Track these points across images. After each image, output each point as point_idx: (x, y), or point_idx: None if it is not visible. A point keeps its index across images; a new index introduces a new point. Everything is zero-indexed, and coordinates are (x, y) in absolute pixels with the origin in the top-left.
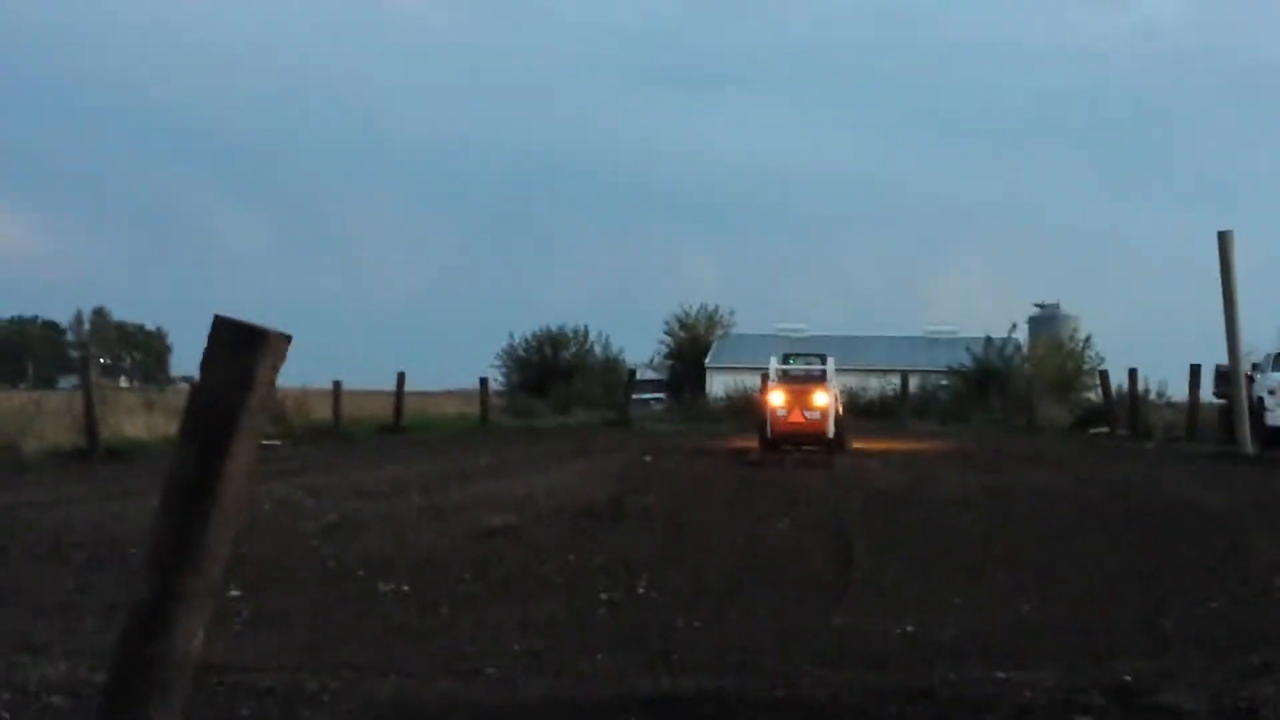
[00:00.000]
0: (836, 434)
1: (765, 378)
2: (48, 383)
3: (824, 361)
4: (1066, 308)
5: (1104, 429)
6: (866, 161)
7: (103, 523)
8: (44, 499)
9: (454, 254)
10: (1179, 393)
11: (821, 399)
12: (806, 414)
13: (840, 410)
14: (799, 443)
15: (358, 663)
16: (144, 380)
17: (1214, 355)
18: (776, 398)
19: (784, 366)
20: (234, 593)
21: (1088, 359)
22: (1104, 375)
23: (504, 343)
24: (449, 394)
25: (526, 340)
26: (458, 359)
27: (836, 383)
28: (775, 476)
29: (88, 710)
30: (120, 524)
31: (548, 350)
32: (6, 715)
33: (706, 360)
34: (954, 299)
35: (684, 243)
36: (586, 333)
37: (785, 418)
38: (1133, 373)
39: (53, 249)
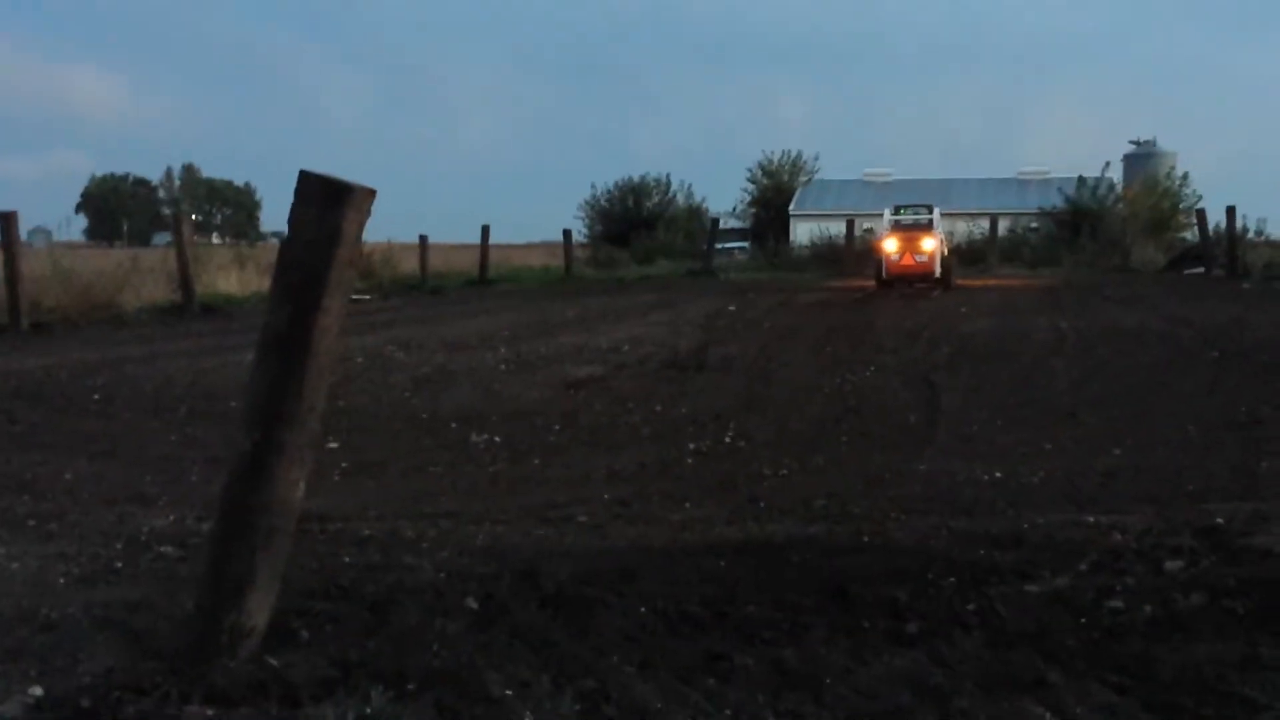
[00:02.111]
0: (943, 273)
1: (867, 231)
2: (142, 240)
3: (930, 211)
4: (1163, 144)
5: (1200, 269)
6: None
7: (201, 377)
8: (143, 354)
9: (538, 106)
10: (1278, 231)
11: (929, 244)
12: (916, 257)
13: (946, 252)
14: (910, 281)
15: (453, 511)
16: (235, 236)
17: None
18: (890, 244)
19: (895, 217)
20: (331, 444)
21: (1184, 197)
22: (1201, 214)
23: (587, 194)
24: (533, 246)
25: (609, 191)
26: (542, 211)
27: (942, 228)
28: (862, 324)
29: (196, 558)
30: (218, 378)
31: (630, 200)
32: (119, 564)
33: (791, 207)
34: (1046, 139)
35: (768, 87)
36: (669, 182)
37: (898, 261)
38: (1230, 210)
39: (143, 106)
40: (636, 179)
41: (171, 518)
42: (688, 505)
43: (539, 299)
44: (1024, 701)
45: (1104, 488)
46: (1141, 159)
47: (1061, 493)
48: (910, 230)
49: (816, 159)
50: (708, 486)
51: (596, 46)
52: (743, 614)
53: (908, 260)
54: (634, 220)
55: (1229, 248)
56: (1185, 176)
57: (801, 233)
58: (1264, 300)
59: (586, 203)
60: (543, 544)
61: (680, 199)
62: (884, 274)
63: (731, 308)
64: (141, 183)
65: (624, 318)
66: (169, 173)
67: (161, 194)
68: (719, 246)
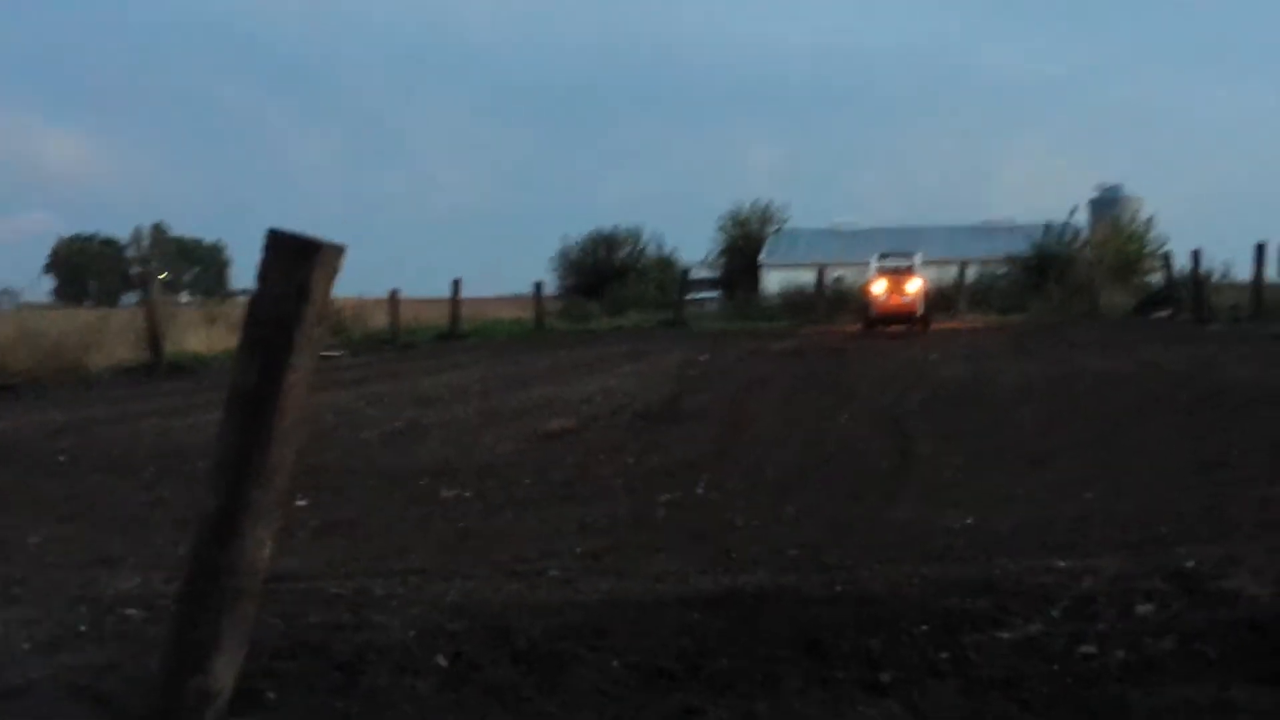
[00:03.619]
0: (924, 314)
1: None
2: (110, 299)
3: (911, 258)
4: (1129, 189)
5: (1167, 312)
6: (925, 37)
7: (169, 436)
8: (111, 415)
9: (507, 160)
10: (1245, 274)
11: (913, 285)
12: (902, 298)
13: (927, 295)
14: (895, 321)
15: (423, 567)
16: (204, 295)
17: None
18: (878, 286)
19: (881, 262)
20: (300, 502)
21: (1150, 241)
22: (1167, 257)
23: (558, 245)
24: (504, 300)
25: (580, 243)
26: (513, 263)
27: (922, 272)
28: (833, 372)
29: (162, 620)
30: (187, 437)
31: (601, 252)
32: (84, 628)
33: (761, 257)
34: (1013, 188)
35: (736, 138)
36: (640, 233)
37: (885, 301)
38: (1196, 254)
39: (110, 165)
40: (608, 230)
41: (138, 580)
42: (660, 557)
43: (511, 352)
44: None
45: (1075, 532)
46: (1107, 203)
47: (1033, 538)
48: (896, 274)
49: (786, 208)
50: (680, 538)
51: (564, 97)
52: (716, 667)
53: (894, 301)
54: (605, 272)
55: (1195, 291)
56: (1150, 220)
57: (772, 281)
58: (1231, 343)
59: (558, 254)
60: (514, 599)
61: (651, 249)
62: (871, 314)
63: (703, 357)
64: (110, 242)
65: (596, 369)
66: (137, 231)
67: (130, 253)
68: (690, 297)
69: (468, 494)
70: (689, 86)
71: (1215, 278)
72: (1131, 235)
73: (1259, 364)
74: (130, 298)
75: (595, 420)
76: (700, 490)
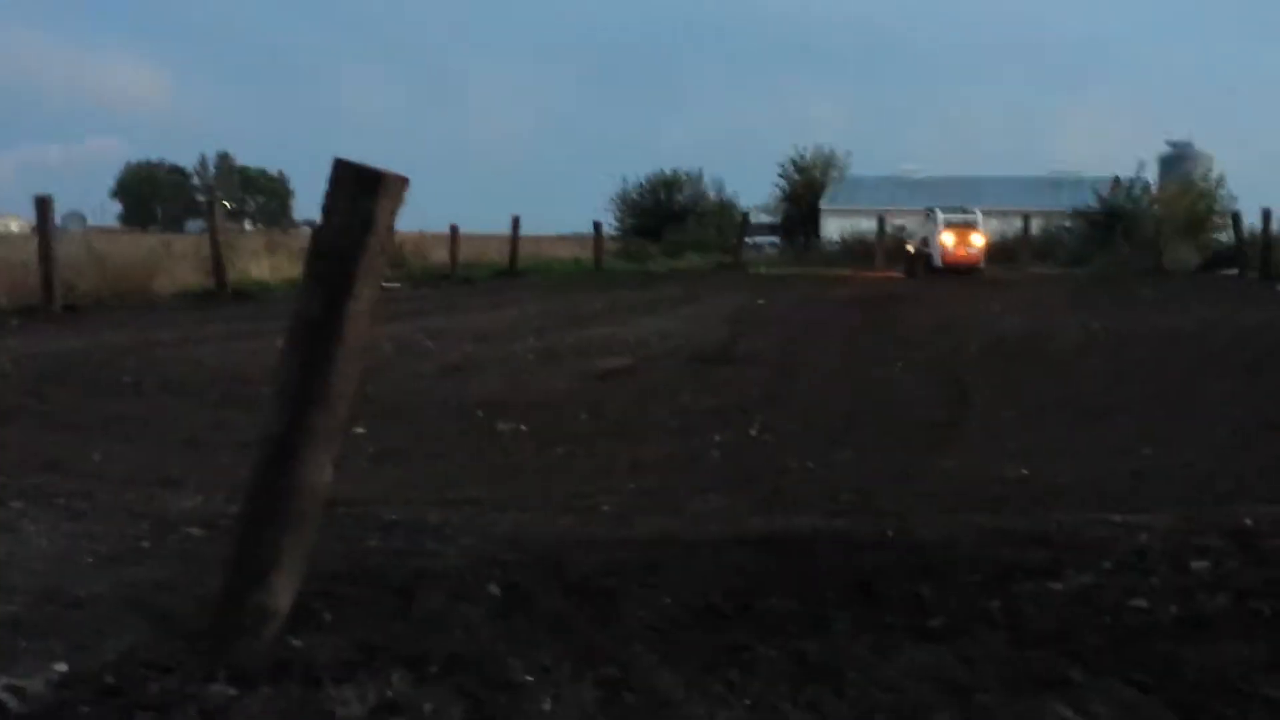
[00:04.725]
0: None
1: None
2: (176, 225)
3: (974, 212)
4: (1200, 146)
5: (1234, 271)
6: None
7: (231, 361)
8: (175, 338)
9: (570, 100)
10: None
11: (978, 239)
12: (968, 250)
13: (988, 248)
14: (960, 271)
15: (478, 498)
16: (268, 224)
17: None
18: (948, 238)
19: (948, 215)
20: (359, 430)
21: (1220, 199)
22: (1236, 216)
23: (618, 188)
24: (563, 238)
25: (640, 184)
26: (573, 204)
27: (983, 226)
28: (890, 320)
29: (224, 540)
30: (249, 363)
31: (661, 194)
32: (146, 544)
33: (821, 203)
34: (1080, 140)
35: (799, 88)
36: (700, 176)
37: (953, 252)
38: (1266, 213)
39: (179, 95)
40: (668, 172)
41: (199, 499)
42: (712, 497)
43: (568, 291)
44: (1046, 699)
45: (1132, 488)
46: (1177, 160)
47: (1089, 492)
48: (962, 227)
49: (848, 155)
50: (732, 479)
51: (627, 45)
52: (766, 606)
53: (961, 252)
54: (664, 214)
55: (1264, 250)
56: (1221, 178)
57: (832, 228)
58: None
59: (617, 196)
60: (567, 533)
61: (711, 193)
62: (939, 262)
63: (760, 301)
64: (176, 170)
65: (653, 310)
66: (203, 160)
67: (196, 181)
68: (749, 241)
69: (523, 428)
70: (753, 34)
71: None
72: (1202, 192)
73: None
74: (195, 225)
75: (651, 361)
76: (753, 432)
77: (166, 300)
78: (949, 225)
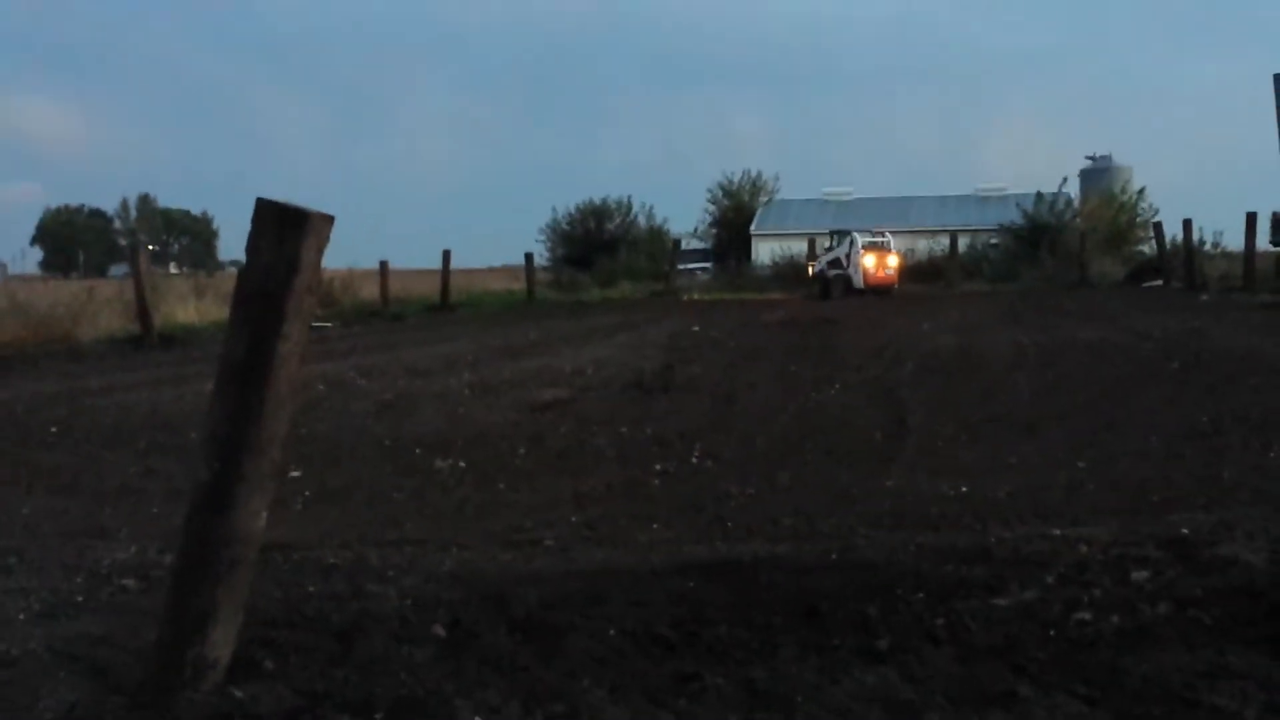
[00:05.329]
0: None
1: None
2: (99, 271)
3: (886, 235)
4: (1119, 159)
5: (1158, 282)
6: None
7: (160, 407)
8: (101, 386)
9: (496, 131)
10: (1235, 243)
11: (893, 261)
12: (885, 271)
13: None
14: (879, 291)
15: (419, 537)
16: (193, 266)
17: (1271, 203)
18: (869, 260)
19: (870, 240)
20: (294, 473)
21: (1141, 211)
22: (1158, 227)
23: (548, 216)
24: (494, 270)
25: (570, 213)
26: (503, 234)
27: (894, 247)
28: (824, 342)
29: (158, 591)
30: (178, 408)
31: (592, 223)
32: (80, 598)
33: (751, 227)
34: (1004, 155)
35: (727, 108)
36: (630, 204)
37: (874, 273)
38: (1187, 223)
39: (97, 137)
40: (598, 201)
41: (133, 550)
42: (655, 526)
43: (502, 323)
44: (994, 714)
45: (1069, 500)
46: (1098, 174)
47: (1027, 506)
48: (881, 249)
49: (776, 179)
50: (675, 507)
51: (553, 69)
52: (713, 634)
53: (880, 274)
54: (595, 243)
55: (1186, 260)
56: (1141, 190)
57: (763, 252)
58: (1222, 312)
59: (548, 226)
60: (510, 569)
61: (642, 220)
62: (860, 284)
63: (695, 328)
64: (97, 214)
65: (588, 340)
66: (125, 203)
67: (118, 224)
68: (681, 267)
69: (461, 464)
70: (679, 58)
71: (1206, 247)
72: (1122, 205)
73: (1250, 333)
74: (119, 269)
75: (588, 391)
76: (694, 460)
77: (92, 347)
78: (869, 248)
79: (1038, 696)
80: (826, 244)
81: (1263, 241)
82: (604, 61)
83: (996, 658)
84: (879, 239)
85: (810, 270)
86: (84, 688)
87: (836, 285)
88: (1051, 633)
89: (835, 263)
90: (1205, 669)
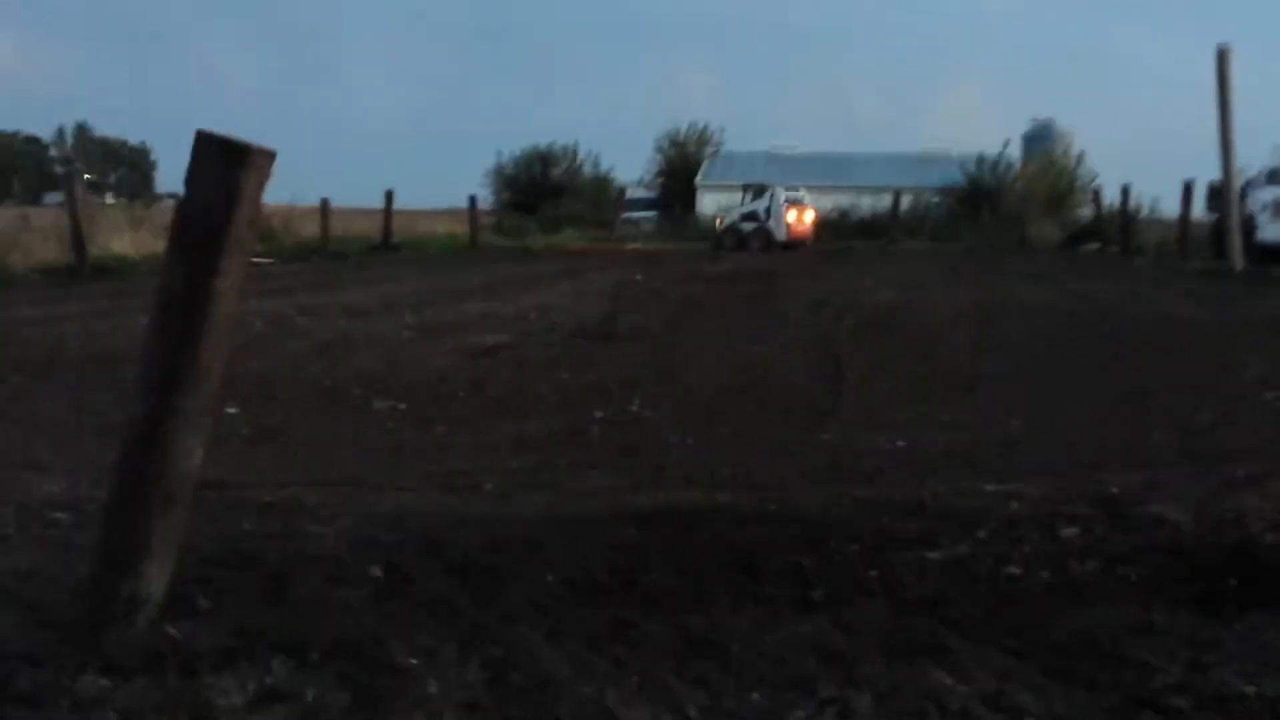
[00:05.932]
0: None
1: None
2: (33, 199)
3: (801, 190)
4: (1061, 124)
5: (1095, 246)
6: None
7: (95, 340)
8: (35, 316)
9: (443, 72)
10: (1172, 210)
11: (809, 216)
12: (804, 226)
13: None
14: (795, 245)
15: (357, 478)
16: (130, 197)
17: (1208, 172)
18: (791, 215)
19: (789, 195)
20: (231, 410)
21: (1080, 175)
22: (1097, 192)
23: (493, 161)
24: (438, 213)
25: (515, 158)
26: (447, 177)
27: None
28: (767, 295)
29: (91, 526)
30: (113, 341)
31: (537, 168)
32: (9, 531)
33: (697, 179)
34: (953, 118)
35: (674, 63)
36: (576, 150)
37: (795, 228)
38: (1125, 189)
39: (32, 63)
40: (544, 146)
41: (65, 484)
42: (594, 473)
43: (444, 266)
44: (925, 666)
45: (1003, 458)
46: (1039, 137)
47: (962, 462)
48: (799, 205)
49: (723, 131)
50: (614, 455)
51: (502, 13)
52: (649, 582)
53: (800, 229)
54: (541, 189)
55: (1123, 225)
56: (1081, 155)
57: (708, 203)
58: (1157, 277)
59: (493, 170)
60: (448, 512)
61: (587, 168)
62: (783, 236)
63: (638, 277)
64: (33, 140)
65: (531, 286)
66: (61, 131)
67: (54, 152)
68: (626, 216)
69: (401, 407)
70: (626, 9)
71: (1143, 214)
72: (1062, 169)
73: (1183, 298)
74: (54, 197)
75: (530, 337)
76: (634, 408)
77: (24, 277)
78: (790, 204)
79: (967, 649)
80: (740, 198)
81: (1199, 209)
82: (553, 10)
83: (928, 610)
84: (796, 194)
85: (718, 224)
86: (13, 622)
87: (755, 239)
88: (983, 587)
89: (751, 215)
90: (1132, 625)
